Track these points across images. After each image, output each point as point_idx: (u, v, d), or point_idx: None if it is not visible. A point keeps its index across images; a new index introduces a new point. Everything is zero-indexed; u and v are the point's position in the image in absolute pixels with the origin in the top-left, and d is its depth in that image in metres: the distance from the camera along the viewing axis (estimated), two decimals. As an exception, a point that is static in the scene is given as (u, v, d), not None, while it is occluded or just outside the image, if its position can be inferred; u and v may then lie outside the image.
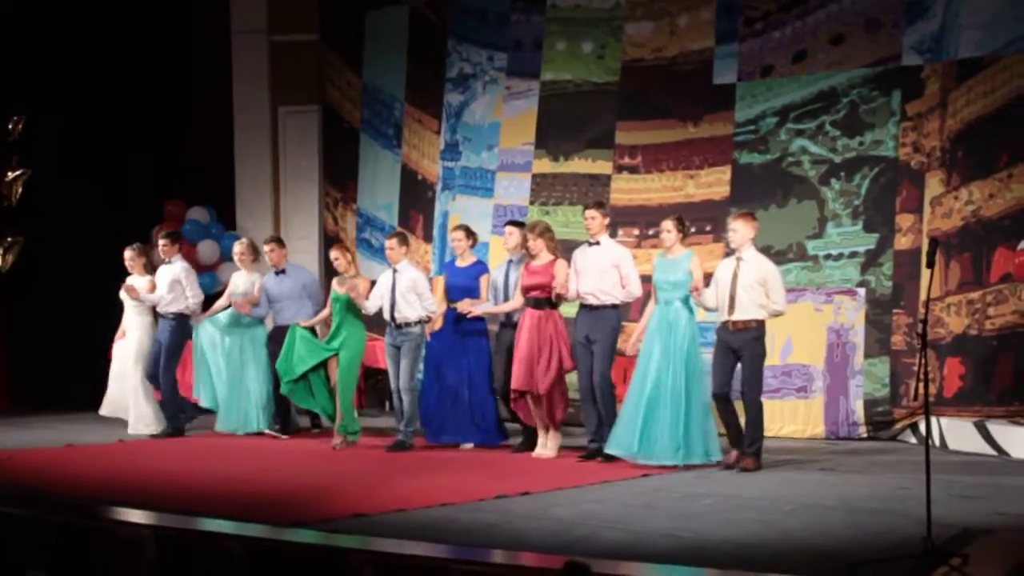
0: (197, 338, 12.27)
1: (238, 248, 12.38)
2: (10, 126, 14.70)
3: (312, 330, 11.67)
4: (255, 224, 14.72)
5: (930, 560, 6.40)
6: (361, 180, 14.45)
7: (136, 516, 8.11)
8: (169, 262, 12.41)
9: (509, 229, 11.11)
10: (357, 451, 11.13)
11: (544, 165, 13.31)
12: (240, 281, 12.29)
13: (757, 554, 6.91)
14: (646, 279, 10.59)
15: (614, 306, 10.44)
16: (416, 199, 14.03)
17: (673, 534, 7.45)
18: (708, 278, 10.09)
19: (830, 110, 12.03)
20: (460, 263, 11.26)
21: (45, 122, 14.75)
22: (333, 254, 11.69)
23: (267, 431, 12.03)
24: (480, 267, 11.25)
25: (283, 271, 12.14)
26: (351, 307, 11.29)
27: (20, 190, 14.69)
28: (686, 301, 9.99)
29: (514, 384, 10.46)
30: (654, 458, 9.75)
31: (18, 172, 14.72)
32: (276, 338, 11.93)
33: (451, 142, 13.89)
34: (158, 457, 10.97)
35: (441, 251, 13.62)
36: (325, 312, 11.83)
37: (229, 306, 12.27)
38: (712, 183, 12.52)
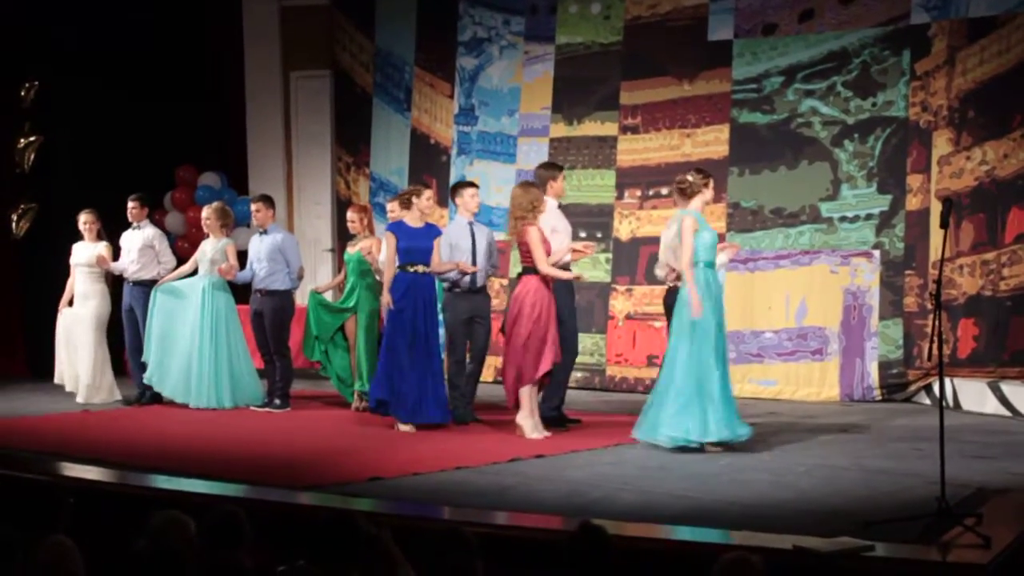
0: (153, 303, 11.73)
1: (204, 213, 11.91)
2: (22, 93, 14.69)
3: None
4: (267, 189, 14.59)
5: (944, 520, 6.42)
6: (374, 145, 14.42)
7: (151, 480, 8.18)
8: (138, 226, 12.11)
9: (472, 191, 10.61)
10: (370, 415, 11.08)
11: (560, 129, 13.27)
12: (208, 248, 11.80)
13: (770, 514, 6.94)
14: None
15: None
16: (429, 163, 14.00)
17: (687, 495, 7.49)
18: None
19: (841, 70, 11.96)
20: (415, 224, 10.32)
21: (56, 88, 14.74)
22: (349, 215, 11.66)
23: (261, 408, 11.52)
24: (436, 229, 10.52)
25: (265, 231, 11.69)
26: (364, 268, 11.27)
27: (32, 157, 14.69)
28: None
29: (549, 363, 9.67)
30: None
31: (30, 139, 14.73)
32: (255, 302, 11.66)
33: (466, 106, 13.84)
34: (173, 422, 10.98)
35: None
36: (340, 276, 11.83)
37: (193, 273, 11.87)
38: (710, 142, 12.46)
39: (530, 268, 9.70)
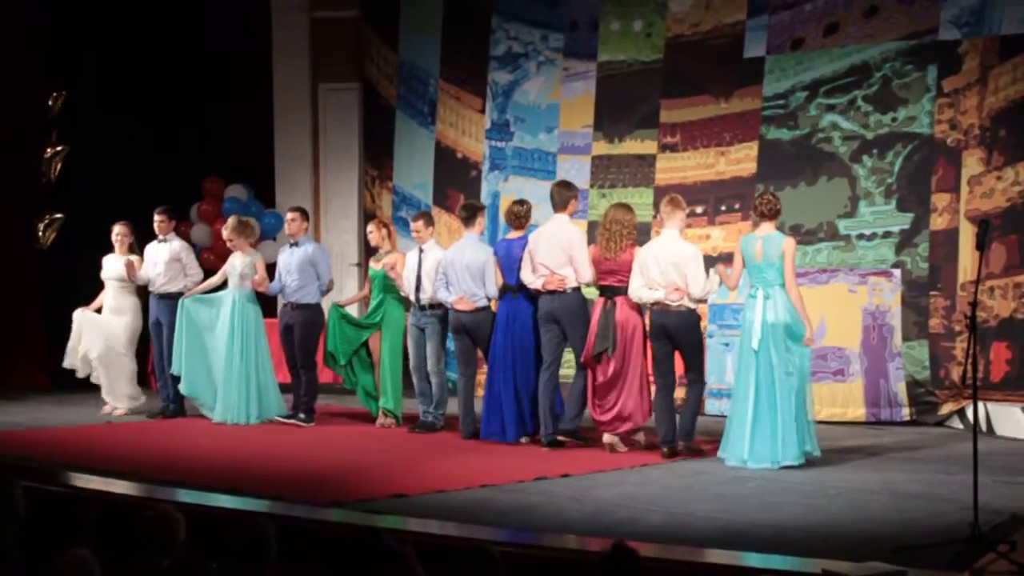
0: (181, 314, 11.68)
1: (225, 233, 11.84)
2: (49, 102, 14.74)
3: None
4: (294, 202, 14.56)
5: (976, 546, 6.35)
6: (397, 158, 14.39)
7: (174, 494, 8.13)
8: (164, 239, 12.06)
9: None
10: (395, 432, 11.10)
11: (602, 147, 13.17)
12: (237, 262, 11.74)
13: (800, 537, 6.88)
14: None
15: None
16: (455, 177, 13.95)
17: (715, 517, 7.43)
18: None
19: (862, 84, 11.79)
20: (511, 235, 10.62)
21: (83, 99, 14.76)
22: (368, 228, 11.65)
23: (287, 420, 11.49)
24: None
25: (296, 243, 11.68)
26: (389, 284, 11.22)
27: (59, 167, 14.72)
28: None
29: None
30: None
31: (57, 148, 14.76)
32: (285, 315, 11.70)
33: (499, 121, 13.76)
34: (197, 435, 11.01)
35: (492, 231, 13.41)
36: (364, 291, 11.80)
37: (222, 286, 11.85)
38: (741, 159, 12.39)
39: (617, 288, 9.78)
